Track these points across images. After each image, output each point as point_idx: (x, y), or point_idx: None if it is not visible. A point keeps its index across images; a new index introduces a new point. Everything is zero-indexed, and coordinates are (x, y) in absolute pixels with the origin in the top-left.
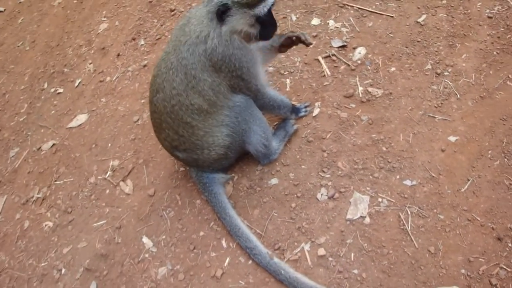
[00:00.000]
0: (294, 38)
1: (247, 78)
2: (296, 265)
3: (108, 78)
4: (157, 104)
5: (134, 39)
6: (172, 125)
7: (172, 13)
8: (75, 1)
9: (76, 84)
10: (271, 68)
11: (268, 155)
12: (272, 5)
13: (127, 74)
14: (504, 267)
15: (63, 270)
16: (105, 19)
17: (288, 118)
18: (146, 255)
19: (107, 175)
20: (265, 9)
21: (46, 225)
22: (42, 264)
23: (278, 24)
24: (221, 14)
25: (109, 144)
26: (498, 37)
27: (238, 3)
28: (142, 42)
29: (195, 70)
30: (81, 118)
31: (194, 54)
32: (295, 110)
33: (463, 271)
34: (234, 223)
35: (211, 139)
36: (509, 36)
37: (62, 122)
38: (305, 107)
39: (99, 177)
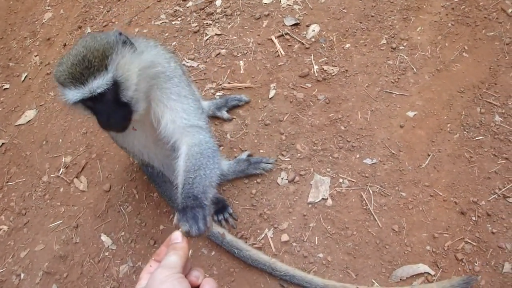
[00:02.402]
0: None
1: None
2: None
3: None
4: None
5: (80, 27)
6: None
7: None
8: None
9: (23, 79)
10: (223, 50)
11: None
12: (88, 98)
13: None
14: (469, 241)
15: (22, 275)
16: (49, 8)
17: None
18: (106, 254)
19: (60, 173)
20: (71, 100)
21: (1, 229)
22: (0, 271)
23: (114, 123)
24: None
25: (60, 140)
26: (453, 9)
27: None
28: (89, 30)
29: None
30: (30, 114)
31: None
32: None
33: (428, 247)
34: None
35: None
36: (463, 7)
37: (10, 120)
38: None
39: (52, 175)
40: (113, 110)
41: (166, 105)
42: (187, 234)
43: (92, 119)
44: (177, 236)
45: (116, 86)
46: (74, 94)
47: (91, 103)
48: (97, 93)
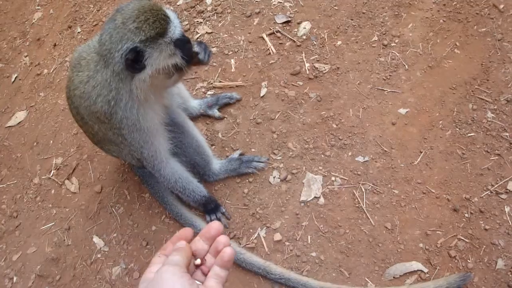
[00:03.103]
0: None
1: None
2: (253, 253)
3: (46, 71)
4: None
5: (70, 27)
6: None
7: None
8: None
9: (13, 80)
10: (214, 48)
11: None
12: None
13: (65, 65)
14: (462, 238)
15: (14, 279)
16: (39, 7)
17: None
18: (99, 255)
19: (51, 174)
20: (178, 28)
21: None
22: None
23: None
24: (132, 63)
25: (51, 141)
26: (444, 5)
27: (148, 39)
28: (79, 30)
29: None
30: (20, 115)
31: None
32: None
33: (421, 245)
34: (175, 210)
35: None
36: (455, 3)
37: (1, 121)
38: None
39: (43, 177)
40: None
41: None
42: (196, 54)
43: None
44: (180, 243)
45: None
46: (175, 22)
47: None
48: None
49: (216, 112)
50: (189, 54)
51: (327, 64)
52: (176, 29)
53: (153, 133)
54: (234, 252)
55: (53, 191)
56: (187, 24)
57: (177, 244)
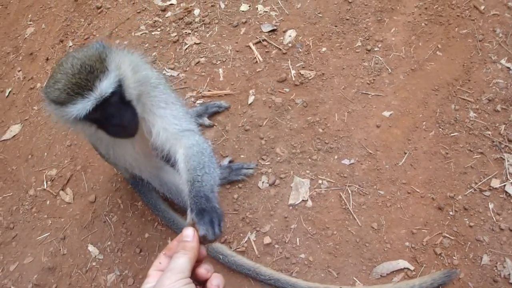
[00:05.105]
0: None
1: None
2: (243, 256)
3: (39, 85)
4: None
5: (62, 41)
6: None
7: (99, 10)
8: None
9: (7, 94)
10: (203, 59)
11: None
12: (98, 103)
13: None
14: (447, 235)
15: None
16: (31, 23)
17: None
18: (94, 264)
19: (46, 186)
20: (81, 112)
21: None
22: None
23: (126, 123)
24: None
25: (45, 153)
26: (426, 8)
27: (46, 98)
28: (71, 44)
29: None
30: (15, 129)
31: None
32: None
33: (407, 243)
34: (167, 216)
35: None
36: (436, 6)
37: None
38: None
39: (38, 188)
40: (123, 111)
41: (155, 114)
42: (203, 238)
43: (94, 134)
44: (189, 233)
45: (119, 86)
46: (84, 104)
47: (98, 113)
48: (108, 95)
49: (206, 120)
50: (113, 135)
51: (313, 70)
52: (76, 111)
53: (132, 160)
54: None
55: (48, 202)
56: (176, 36)
57: (184, 234)
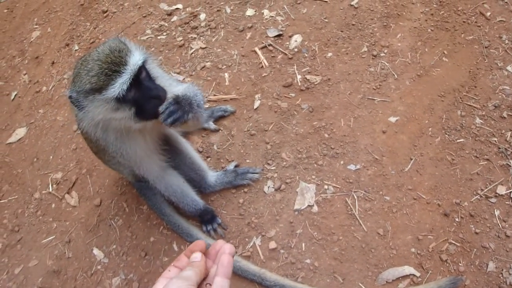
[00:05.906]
0: None
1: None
2: (249, 261)
3: (44, 88)
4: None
5: (67, 44)
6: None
7: (105, 14)
8: (5, 11)
9: (12, 97)
10: (208, 63)
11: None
12: (133, 78)
13: (63, 82)
14: (453, 242)
15: None
16: (37, 26)
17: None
18: (99, 267)
19: (51, 189)
20: (122, 88)
21: None
22: None
23: (162, 93)
24: (76, 103)
25: (51, 157)
26: (432, 14)
27: (81, 92)
28: (76, 47)
29: None
30: (20, 132)
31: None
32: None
33: (413, 250)
34: (172, 221)
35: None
36: (442, 12)
37: (1, 138)
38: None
39: (43, 191)
40: (155, 84)
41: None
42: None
43: (120, 123)
44: (196, 255)
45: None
46: (122, 79)
47: (133, 92)
48: (140, 66)
49: (211, 125)
50: (144, 112)
51: (318, 75)
52: (119, 88)
53: (141, 157)
54: (200, 254)
55: (53, 205)
56: (181, 40)
57: (193, 255)
